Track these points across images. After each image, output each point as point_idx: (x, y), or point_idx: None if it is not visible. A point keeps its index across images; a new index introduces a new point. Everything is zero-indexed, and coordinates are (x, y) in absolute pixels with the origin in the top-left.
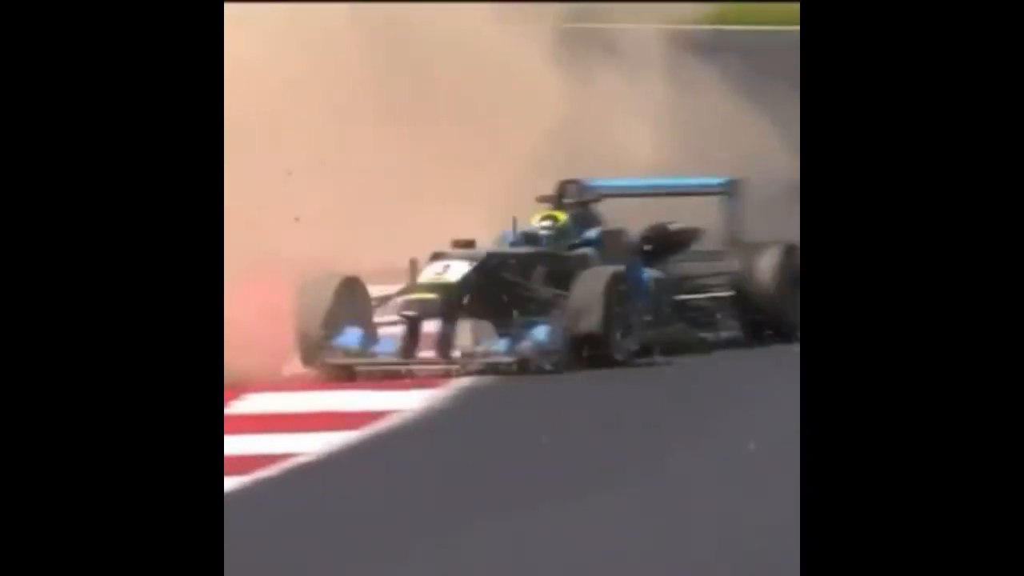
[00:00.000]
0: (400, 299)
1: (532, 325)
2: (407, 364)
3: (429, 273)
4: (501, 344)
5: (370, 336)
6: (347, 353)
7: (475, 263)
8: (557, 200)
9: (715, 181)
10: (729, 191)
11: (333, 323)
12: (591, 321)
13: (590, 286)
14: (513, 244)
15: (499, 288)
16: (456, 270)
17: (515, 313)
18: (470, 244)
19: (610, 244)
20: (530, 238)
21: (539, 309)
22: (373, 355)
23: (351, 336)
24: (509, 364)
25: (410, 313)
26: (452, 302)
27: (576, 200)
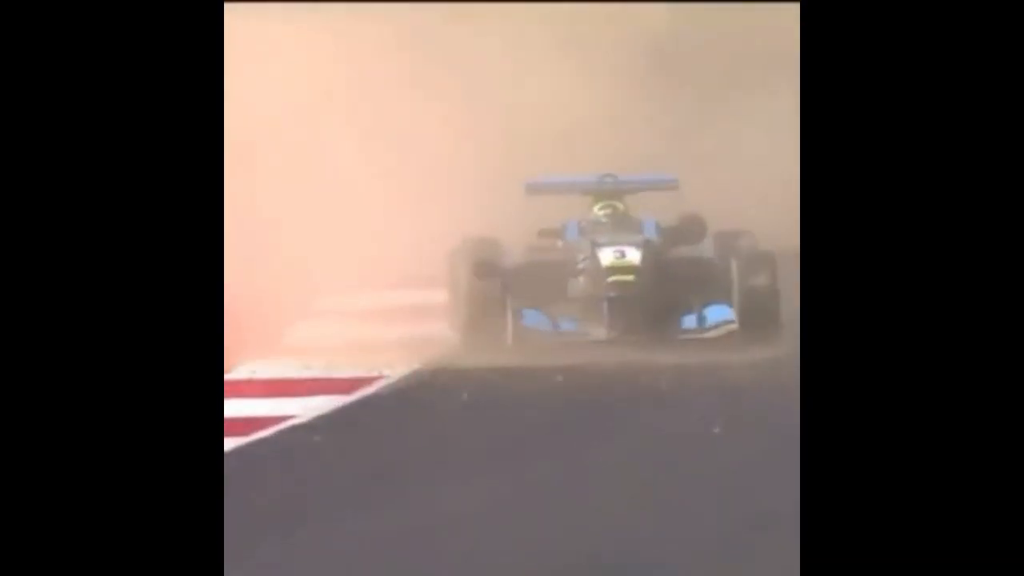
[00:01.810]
0: (608, 280)
1: (708, 304)
2: (615, 339)
3: (609, 257)
4: (691, 321)
5: (551, 317)
6: (539, 334)
7: (640, 248)
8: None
9: (662, 177)
10: (673, 185)
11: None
12: (769, 299)
13: (757, 267)
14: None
15: (662, 271)
16: (632, 255)
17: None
18: (557, 232)
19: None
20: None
21: (703, 289)
22: (562, 335)
23: (537, 317)
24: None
25: (613, 294)
26: (644, 282)
27: (614, 191)
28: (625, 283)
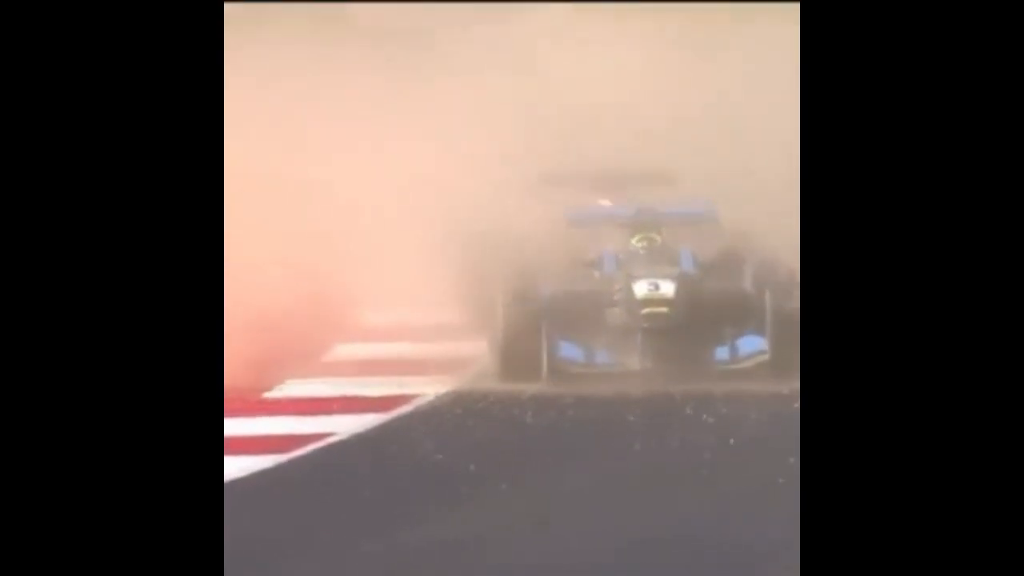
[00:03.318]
0: (641, 312)
1: (741, 336)
2: (648, 371)
3: (643, 289)
4: (723, 352)
5: (587, 349)
6: (574, 365)
7: (674, 281)
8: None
9: (701, 209)
10: (713, 216)
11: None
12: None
13: (790, 296)
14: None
15: (697, 303)
16: (666, 287)
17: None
18: (594, 263)
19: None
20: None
21: (739, 321)
22: (597, 367)
23: (572, 349)
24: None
25: (647, 326)
26: (678, 315)
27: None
28: (659, 315)
